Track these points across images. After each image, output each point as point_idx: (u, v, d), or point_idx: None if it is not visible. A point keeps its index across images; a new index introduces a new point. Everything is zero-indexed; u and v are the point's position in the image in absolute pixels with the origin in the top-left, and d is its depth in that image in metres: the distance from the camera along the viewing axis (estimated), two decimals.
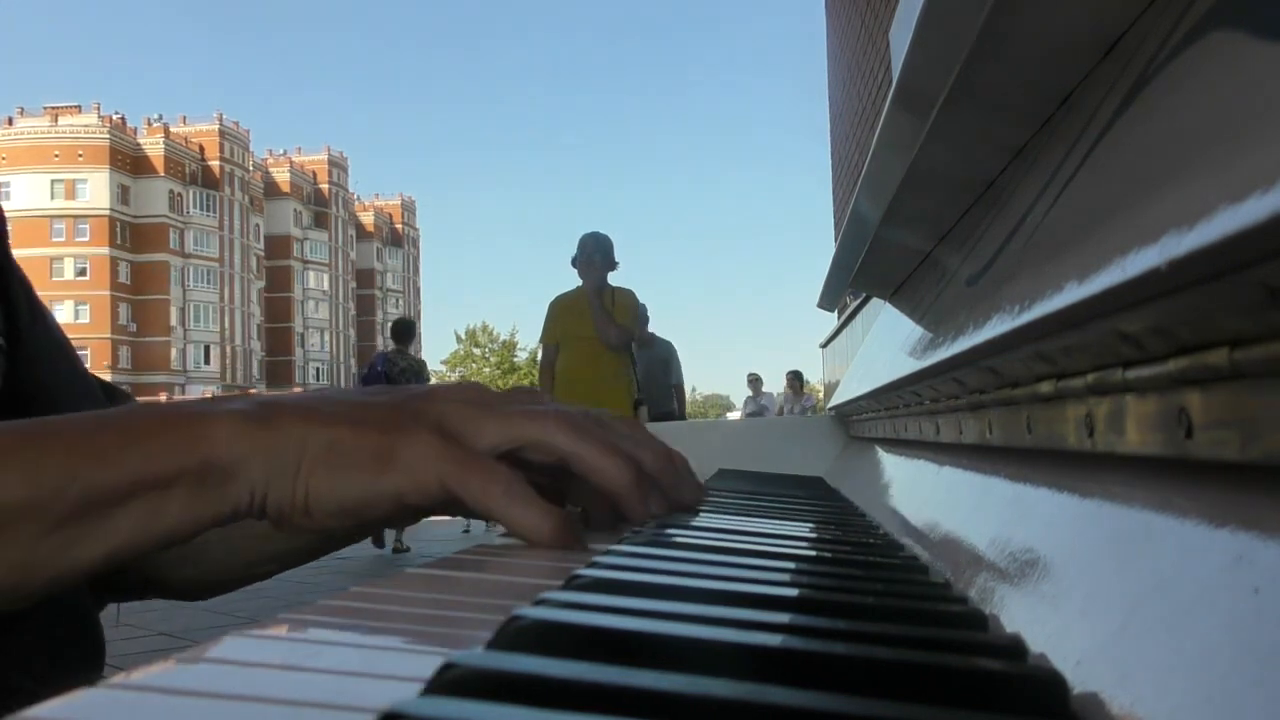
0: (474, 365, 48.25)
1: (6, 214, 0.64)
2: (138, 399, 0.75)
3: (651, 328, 6.11)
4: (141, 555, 0.40)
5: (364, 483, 0.41)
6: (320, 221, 73.92)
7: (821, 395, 13.77)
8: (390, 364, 6.87)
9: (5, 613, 0.40)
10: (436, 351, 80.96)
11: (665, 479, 0.51)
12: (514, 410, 0.46)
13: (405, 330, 7.31)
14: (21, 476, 0.38)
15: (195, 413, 0.41)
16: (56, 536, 0.38)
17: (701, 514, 0.57)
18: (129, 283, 61.47)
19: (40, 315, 0.65)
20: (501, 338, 49.36)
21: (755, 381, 12.69)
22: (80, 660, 0.59)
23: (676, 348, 6.35)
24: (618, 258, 4.58)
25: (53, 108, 62.08)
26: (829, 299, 1.59)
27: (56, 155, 59.95)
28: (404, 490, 0.41)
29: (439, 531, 7.37)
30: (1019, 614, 0.33)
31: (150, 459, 0.39)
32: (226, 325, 65.00)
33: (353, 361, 74.04)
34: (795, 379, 12.31)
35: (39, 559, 0.38)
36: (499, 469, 0.43)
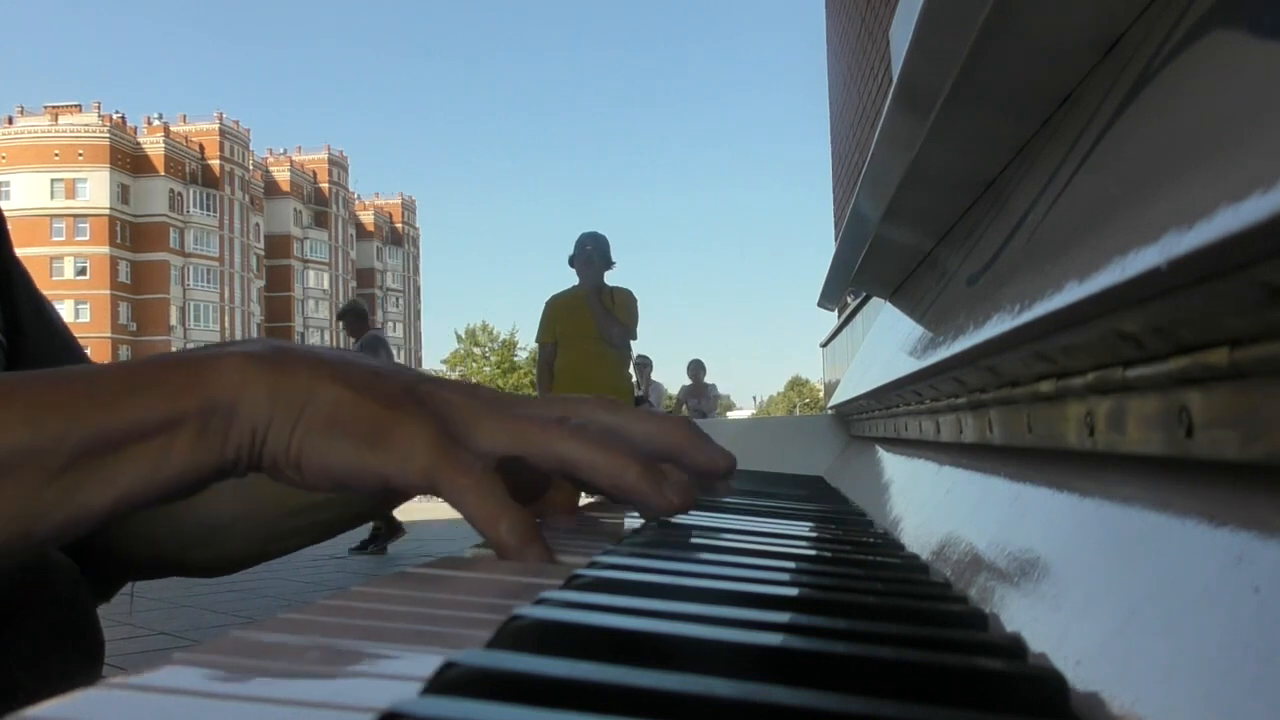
0: (474, 364, 48.24)
1: (6, 214, 0.64)
2: None
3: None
4: (151, 502, 0.40)
5: (355, 455, 0.41)
6: (320, 221, 73.93)
7: (822, 395, 13.38)
8: None
9: (5, 612, 0.39)
10: (436, 351, 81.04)
11: (684, 454, 0.49)
12: (520, 414, 0.45)
13: (355, 315, 6.82)
14: (24, 423, 0.37)
15: (201, 356, 0.41)
16: (61, 482, 0.38)
17: (701, 514, 0.57)
18: (129, 282, 61.47)
19: (42, 310, 0.66)
20: (501, 337, 49.36)
21: (643, 366, 9.76)
22: (80, 660, 0.59)
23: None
24: (615, 256, 4.59)
25: (53, 107, 62.06)
26: (829, 298, 1.59)
27: (56, 154, 59.94)
28: (391, 473, 0.41)
29: (439, 531, 7.37)
30: (1019, 614, 0.33)
31: (155, 402, 0.39)
32: (226, 324, 64.97)
33: None
34: (697, 369, 10.24)
35: (44, 506, 0.38)
36: (480, 472, 0.42)
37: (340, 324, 7.01)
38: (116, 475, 0.39)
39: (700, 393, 10.00)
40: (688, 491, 0.46)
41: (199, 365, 0.41)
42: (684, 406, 9.90)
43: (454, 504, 0.41)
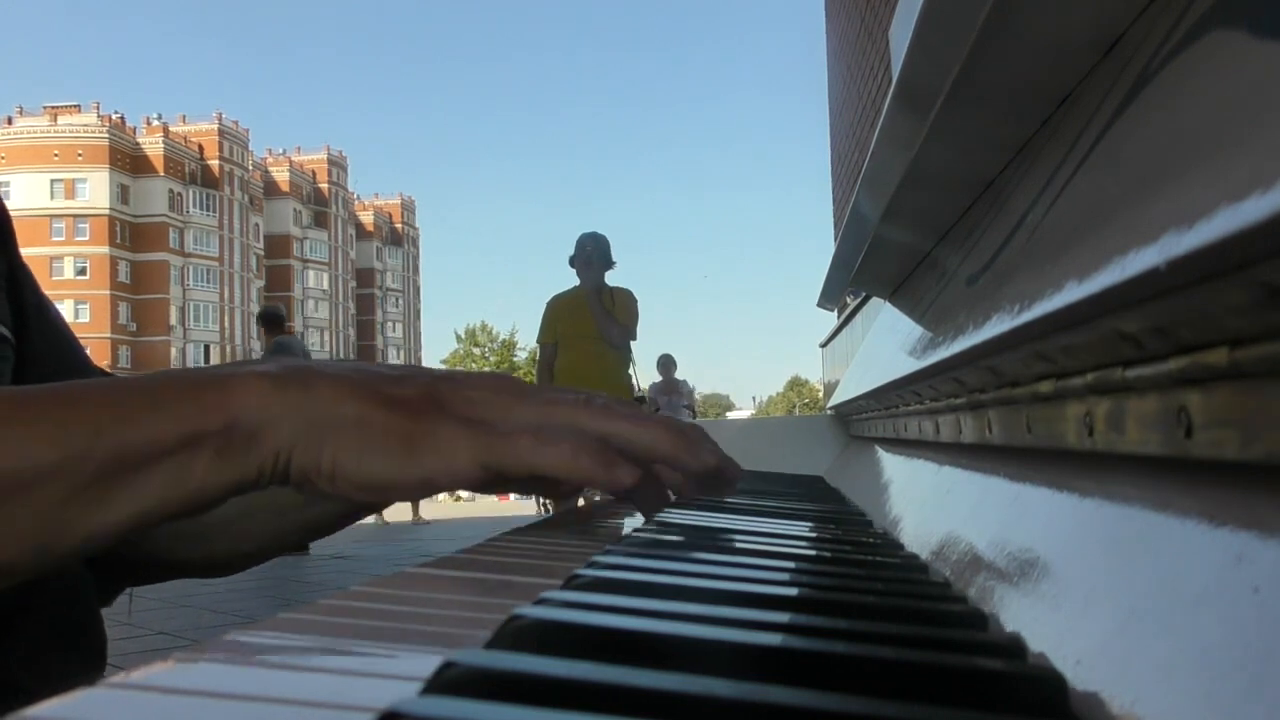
0: (473, 364, 48.22)
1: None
2: None
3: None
4: (170, 518, 0.40)
5: (393, 465, 0.42)
6: (320, 221, 73.92)
7: (821, 395, 13.24)
8: None
9: (7, 612, 0.39)
10: (436, 351, 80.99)
11: (675, 458, 0.50)
12: (543, 398, 0.46)
13: (269, 319, 7.09)
14: (49, 437, 0.38)
15: (223, 375, 0.42)
16: (84, 498, 0.38)
17: (701, 514, 0.57)
18: (129, 282, 61.44)
19: (44, 309, 0.66)
20: (501, 337, 49.37)
21: (666, 365, 9.38)
22: (81, 660, 0.59)
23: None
24: (615, 256, 4.59)
25: (52, 107, 62.03)
26: (829, 298, 1.59)
27: (56, 155, 59.93)
28: (434, 475, 0.42)
29: (440, 530, 7.37)
30: (1018, 613, 0.33)
31: (177, 420, 0.40)
32: (226, 324, 64.97)
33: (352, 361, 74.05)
34: (667, 364, 9.39)
35: (67, 520, 0.38)
36: (528, 430, 0.43)
37: (259, 326, 7.28)
38: (138, 491, 0.39)
39: (672, 389, 9.44)
40: (637, 472, 0.46)
41: (222, 384, 0.41)
42: (655, 407, 9.04)
43: (515, 466, 0.43)
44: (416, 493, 0.43)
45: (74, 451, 0.38)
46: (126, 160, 61.62)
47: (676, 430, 0.49)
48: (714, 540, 0.47)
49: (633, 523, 0.56)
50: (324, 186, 73.99)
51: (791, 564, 0.42)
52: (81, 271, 59.67)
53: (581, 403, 0.48)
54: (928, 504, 0.61)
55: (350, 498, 0.43)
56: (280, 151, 75.50)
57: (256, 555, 0.66)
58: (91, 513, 0.38)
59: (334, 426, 0.41)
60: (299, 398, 0.41)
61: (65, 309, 56.22)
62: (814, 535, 0.58)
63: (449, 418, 0.43)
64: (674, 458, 0.49)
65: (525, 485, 0.49)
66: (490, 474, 0.43)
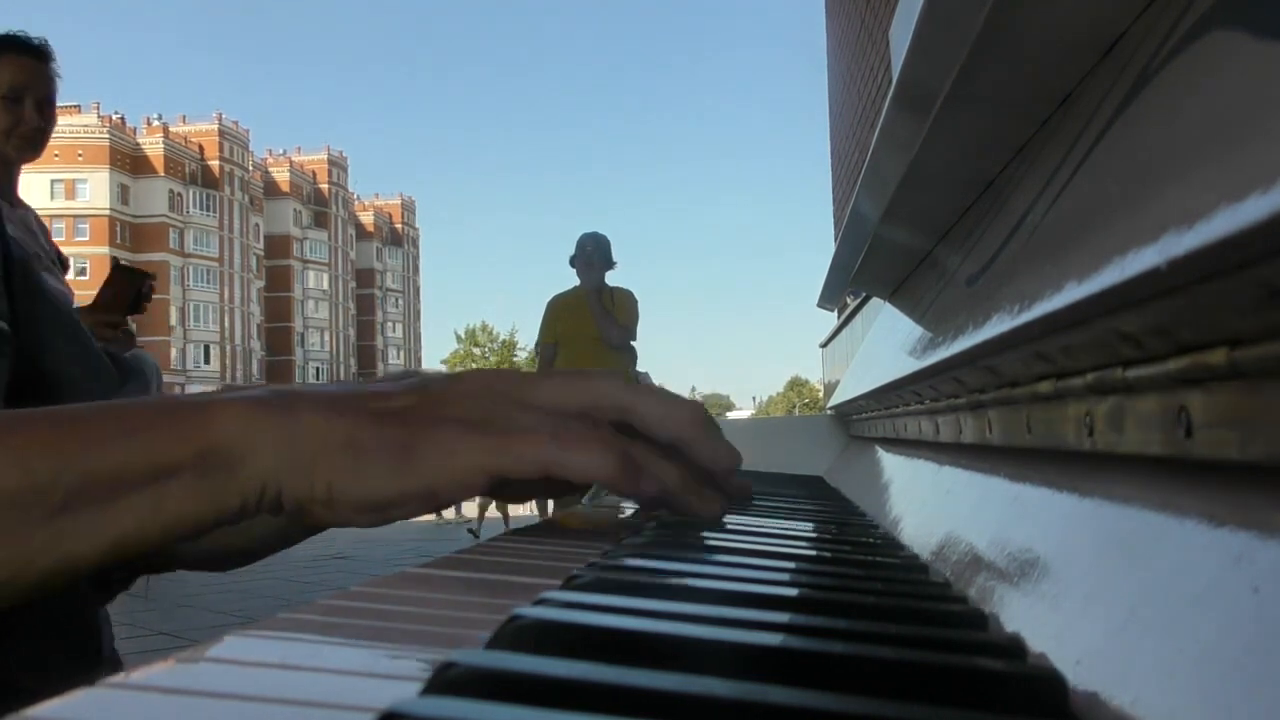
0: (474, 365, 48.22)
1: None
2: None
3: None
4: (146, 549, 0.39)
5: (388, 480, 0.40)
6: (320, 221, 73.91)
7: (821, 395, 13.25)
8: None
9: (6, 611, 0.39)
10: (436, 351, 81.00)
11: (692, 443, 0.48)
12: (545, 392, 0.44)
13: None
14: (15, 464, 0.36)
15: (202, 402, 0.40)
16: (52, 527, 0.37)
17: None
18: None
19: (43, 296, 0.65)
20: (501, 337, 49.40)
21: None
22: (80, 660, 0.59)
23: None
24: (616, 257, 4.59)
25: None
26: (829, 298, 1.59)
27: (56, 155, 59.86)
28: (436, 487, 0.40)
29: (441, 531, 7.36)
30: (1018, 613, 0.33)
31: (150, 447, 0.38)
32: (226, 325, 64.98)
33: (353, 361, 74.06)
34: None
35: (34, 550, 0.37)
36: (539, 426, 0.41)
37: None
38: (111, 521, 0.37)
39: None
40: (663, 486, 0.44)
41: (199, 411, 0.39)
42: None
43: (522, 468, 0.40)
44: (420, 507, 0.41)
45: (41, 479, 0.36)
46: (127, 160, 61.61)
47: (703, 417, 0.47)
48: (714, 540, 0.47)
49: (632, 523, 0.56)
50: (324, 187, 73.98)
51: (791, 564, 0.42)
52: (81, 272, 59.58)
53: (591, 385, 0.45)
54: (928, 504, 0.61)
55: (352, 522, 0.41)
56: (280, 152, 75.52)
57: (260, 550, 0.65)
58: (61, 542, 0.37)
59: (323, 450, 0.39)
60: (281, 423, 0.39)
61: None
62: (814, 535, 0.58)
63: (446, 421, 0.41)
64: (693, 443, 0.47)
65: (535, 488, 0.47)
66: (498, 478, 0.41)
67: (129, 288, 2.14)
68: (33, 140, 2.04)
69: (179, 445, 0.38)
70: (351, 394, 0.42)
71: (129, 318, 2.13)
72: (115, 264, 2.30)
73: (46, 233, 2.16)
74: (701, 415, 0.47)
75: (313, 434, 0.39)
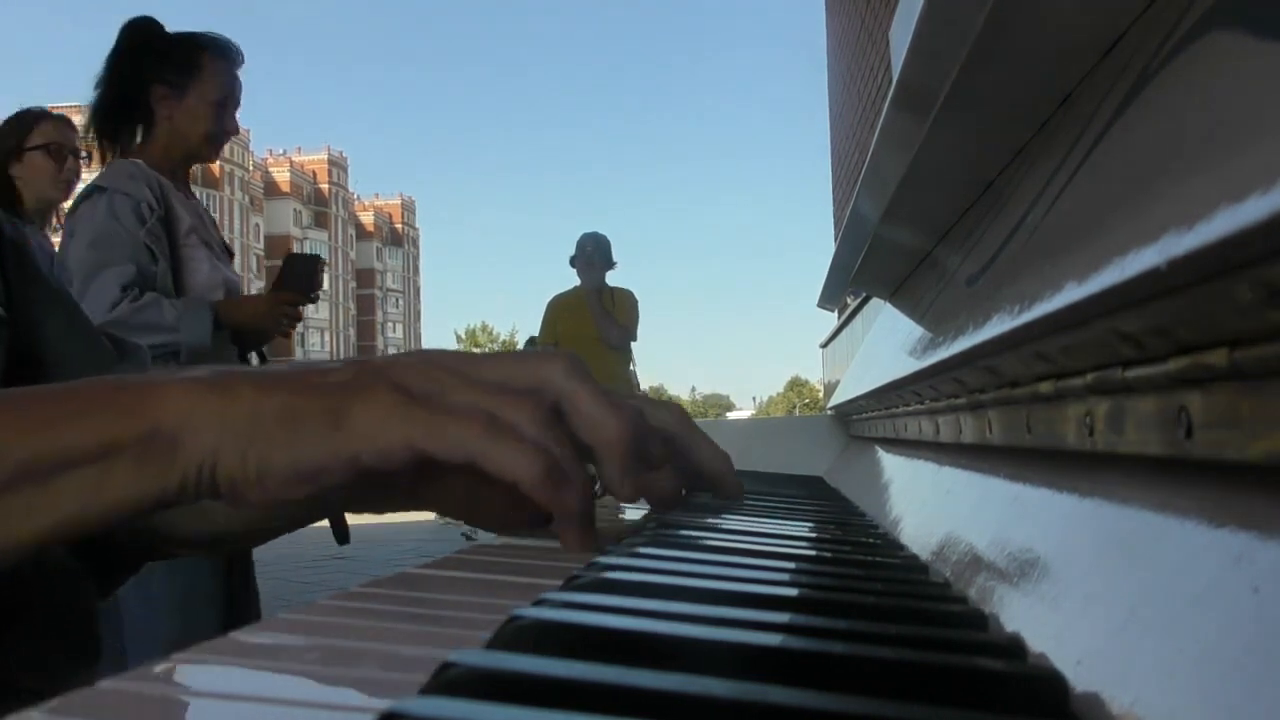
0: None
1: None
2: None
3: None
4: (88, 530, 0.39)
5: (316, 446, 0.38)
6: (320, 221, 73.90)
7: (821, 395, 13.23)
8: None
9: (5, 612, 0.39)
10: None
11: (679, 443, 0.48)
12: (489, 370, 0.42)
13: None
14: None
15: (145, 382, 0.39)
16: None
17: (701, 514, 0.57)
18: None
19: (37, 278, 0.65)
20: (501, 337, 49.40)
21: None
22: (80, 660, 0.59)
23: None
24: (616, 257, 4.60)
25: (54, 107, 61.99)
26: (829, 299, 1.59)
27: None
28: (360, 451, 0.38)
29: (441, 532, 7.37)
30: (1018, 614, 0.33)
31: (94, 427, 0.38)
32: None
33: None
34: None
35: None
36: (476, 409, 0.39)
37: None
38: (52, 502, 0.37)
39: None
40: (586, 495, 0.41)
41: (140, 391, 0.39)
42: None
43: (447, 451, 0.38)
44: (345, 474, 0.39)
45: None
46: None
47: (633, 431, 0.44)
48: (713, 540, 0.47)
49: (633, 523, 0.56)
50: (324, 187, 73.98)
51: (791, 564, 0.42)
52: None
53: (539, 367, 0.43)
54: (928, 504, 0.61)
55: (283, 497, 0.39)
56: (280, 152, 75.53)
57: (252, 536, 0.64)
58: (4, 521, 0.37)
59: (258, 424, 0.38)
60: (221, 402, 0.38)
61: None
62: (814, 535, 0.58)
63: (379, 390, 0.39)
64: (608, 461, 0.44)
65: (459, 478, 0.44)
66: (420, 455, 0.39)
67: (304, 272, 2.19)
68: (221, 145, 2.08)
69: (122, 426, 0.38)
70: (293, 371, 0.41)
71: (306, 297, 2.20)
72: (288, 253, 2.38)
73: (215, 224, 2.22)
74: (631, 428, 0.44)
75: (249, 410, 0.39)
